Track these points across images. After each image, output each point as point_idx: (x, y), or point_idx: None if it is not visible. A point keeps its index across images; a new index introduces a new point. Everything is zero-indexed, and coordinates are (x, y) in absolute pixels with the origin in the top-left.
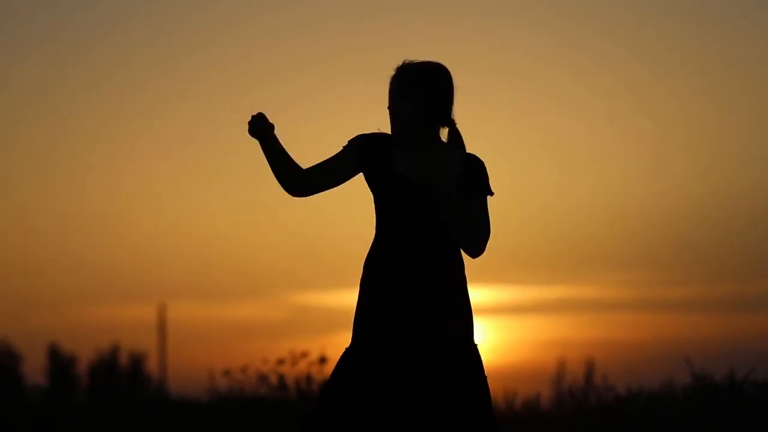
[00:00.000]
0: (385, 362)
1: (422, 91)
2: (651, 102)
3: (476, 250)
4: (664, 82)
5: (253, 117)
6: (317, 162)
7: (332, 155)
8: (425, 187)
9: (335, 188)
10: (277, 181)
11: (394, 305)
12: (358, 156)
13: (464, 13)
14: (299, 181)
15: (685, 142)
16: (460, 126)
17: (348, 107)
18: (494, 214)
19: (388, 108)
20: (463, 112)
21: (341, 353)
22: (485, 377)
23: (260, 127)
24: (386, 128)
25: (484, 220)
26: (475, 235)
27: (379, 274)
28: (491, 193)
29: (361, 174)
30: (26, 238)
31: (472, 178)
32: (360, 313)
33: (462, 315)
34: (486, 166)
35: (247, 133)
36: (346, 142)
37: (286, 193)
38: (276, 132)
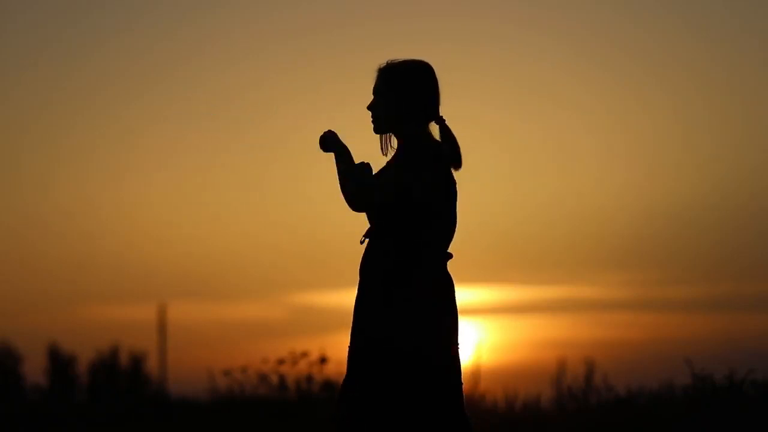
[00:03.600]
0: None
1: (397, 90)
2: (651, 102)
3: (351, 201)
4: (665, 82)
5: (324, 135)
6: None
7: None
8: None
9: (334, 188)
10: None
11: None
12: None
13: (466, 13)
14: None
15: (685, 142)
16: (458, 123)
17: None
18: (495, 214)
19: (367, 108)
20: (464, 111)
21: (345, 353)
22: (400, 381)
23: (331, 144)
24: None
25: (378, 183)
26: (352, 189)
27: None
28: (412, 173)
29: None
30: (26, 238)
31: (402, 153)
32: None
33: (386, 314)
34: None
35: (320, 148)
36: None
37: (285, 194)
38: (276, 131)
